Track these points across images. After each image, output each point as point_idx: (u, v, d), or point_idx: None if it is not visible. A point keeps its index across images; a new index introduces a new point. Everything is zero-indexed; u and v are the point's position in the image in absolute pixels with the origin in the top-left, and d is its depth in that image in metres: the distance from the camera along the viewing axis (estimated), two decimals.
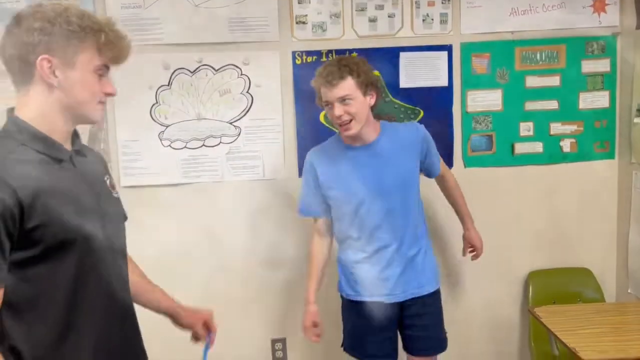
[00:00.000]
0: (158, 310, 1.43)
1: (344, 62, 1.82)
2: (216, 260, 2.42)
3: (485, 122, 2.46)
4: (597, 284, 2.52)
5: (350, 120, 1.80)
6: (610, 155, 2.53)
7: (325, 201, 1.96)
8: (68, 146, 1.17)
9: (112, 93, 1.18)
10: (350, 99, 1.79)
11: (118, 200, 1.29)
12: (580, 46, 2.45)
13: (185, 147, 2.36)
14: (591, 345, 1.82)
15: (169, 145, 2.35)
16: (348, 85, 1.78)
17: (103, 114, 1.47)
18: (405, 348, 2.06)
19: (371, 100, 1.86)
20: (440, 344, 2.05)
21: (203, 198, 2.39)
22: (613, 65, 2.47)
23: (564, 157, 2.50)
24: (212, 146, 2.37)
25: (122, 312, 1.22)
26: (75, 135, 1.20)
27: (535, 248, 2.54)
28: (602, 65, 2.47)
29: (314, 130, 2.38)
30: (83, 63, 1.11)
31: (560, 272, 2.54)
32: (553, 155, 2.50)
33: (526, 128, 2.48)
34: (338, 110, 1.79)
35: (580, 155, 2.51)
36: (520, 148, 2.49)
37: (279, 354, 2.51)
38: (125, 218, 1.33)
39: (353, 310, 1.98)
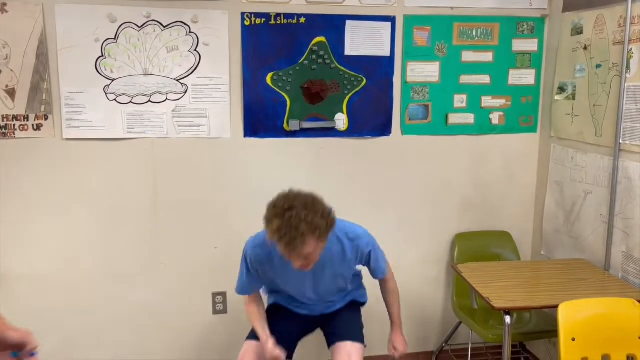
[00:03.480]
0: None
1: (302, 227, 1.61)
2: (158, 215, 2.48)
3: (423, 92, 2.61)
4: (514, 246, 2.76)
5: (309, 264, 1.76)
6: (533, 129, 2.75)
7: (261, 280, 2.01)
8: None
9: None
10: (311, 254, 1.70)
11: None
12: (512, 26, 2.63)
13: (130, 102, 2.37)
14: (503, 296, 2.03)
15: (115, 100, 2.35)
16: (310, 245, 1.66)
17: None
18: (328, 345, 2.11)
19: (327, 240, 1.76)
20: (358, 335, 2.07)
21: (147, 154, 2.42)
22: (540, 45, 2.68)
23: (492, 128, 2.70)
24: (158, 102, 2.39)
25: None
26: None
27: (462, 212, 2.75)
28: (530, 45, 2.67)
29: (260, 90, 2.45)
30: None
31: (482, 234, 2.77)
32: (483, 127, 2.69)
33: (460, 100, 2.65)
34: (298, 263, 1.72)
35: (507, 127, 2.71)
36: (454, 118, 2.66)
37: (219, 306, 2.61)
38: None
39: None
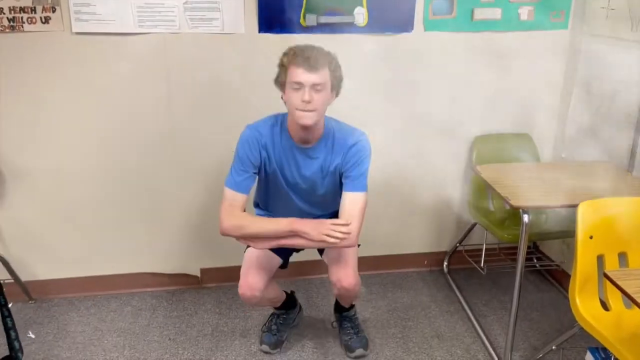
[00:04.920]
0: None
1: (323, 52, 1.77)
2: (172, 112, 2.45)
3: None
4: (535, 149, 2.71)
5: (313, 109, 1.76)
6: (564, 26, 2.59)
7: (255, 176, 1.92)
8: None
9: None
10: (322, 88, 1.75)
11: None
12: None
13: None
14: (522, 195, 2.01)
15: None
16: (324, 74, 1.75)
17: None
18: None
19: (333, 99, 1.84)
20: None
21: (159, 49, 2.34)
22: None
23: (520, 24, 2.55)
24: None
25: None
26: None
27: (483, 113, 2.68)
28: None
29: None
30: None
31: (503, 137, 2.71)
32: (510, 23, 2.54)
33: None
34: (308, 95, 1.73)
35: (536, 23, 2.56)
36: (480, 13, 2.51)
37: None
38: None
39: None
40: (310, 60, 1.72)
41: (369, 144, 1.91)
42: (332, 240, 1.78)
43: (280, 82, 1.81)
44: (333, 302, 2.36)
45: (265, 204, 2.10)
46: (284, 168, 1.92)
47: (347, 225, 1.80)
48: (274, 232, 1.84)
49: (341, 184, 1.93)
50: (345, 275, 1.98)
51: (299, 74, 1.73)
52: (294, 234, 1.82)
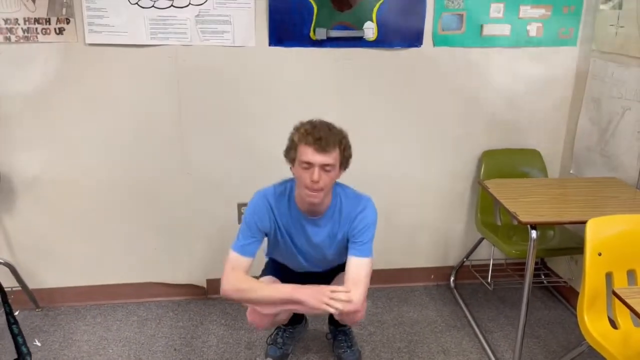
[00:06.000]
0: None
1: (335, 131, 1.77)
2: (183, 124, 2.47)
3: (458, 0, 2.46)
4: (543, 165, 2.71)
5: (321, 189, 1.76)
6: (573, 42, 2.60)
7: (261, 241, 1.91)
8: None
9: None
10: (331, 169, 1.75)
11: None
12: None
13: (153, 6, 2.29)
14: (530, 211, 2.01)
15: (136, 4, 2.27)
16: (335, 155, 1.75)
17: None
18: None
19: (341, 173, 1.84)
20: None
21: (171, 61, 2.37)
22: None
23: (529, 41, 2.56)
24: (181, 7, 2.31)
25: None
26: None
27: (492, 128, 2.68)
28: None
29: None
30: None
31: (511, 152, 2.71)
32: (519, 39, 2.55)
33: (496, 9, 2.50)
34: (317, 175, 1.72)
35: (545, 40, 2.57)
36: (489, 29, 2.52)
37: None
38: None
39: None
40: (322, 142, 1.71)
41: (375, 210, 1.91)
42: (332, 310, 1.73)
43: (290, 157, 1.81)
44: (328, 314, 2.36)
45: (273, 255, 2.11)
46: (293, 237, 1.94)
47: (347, 292, 1.75)
48: (273, 299, 1.82)
49: (347, 247, 1.92)
50: (352, 310, 1.83)
51: (309, 154, 1.72)
52: (294, 302, 1.79)
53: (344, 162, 1.82)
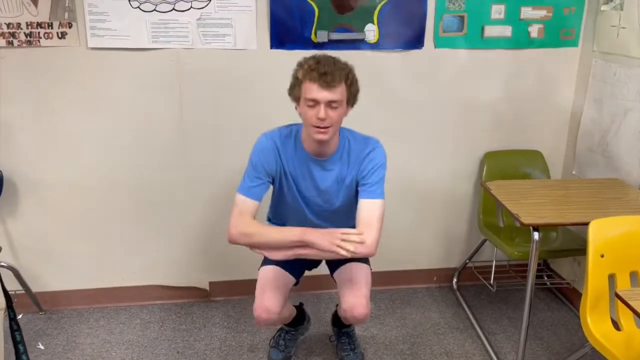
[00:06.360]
0: None
1: (340, 65, 1.71)
2: (185, 127, 2.47)
3: (459, 2, 2.46)
4: (545, 166, 2.71)
5: (329, 126, 1.71)
6: (574, 43, 2.60)
7: (268, 185, 1.88)
8: None
9: None
10: (338, 105, 1.70)
11: None
12: None
13: (154, 10, 2.29)
14: (532, 212, 2.00)
15: (138, 7, 2.28)
16: (341, 91, 1.69)
17: None
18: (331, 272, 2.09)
19: (349, 110, 1.80)
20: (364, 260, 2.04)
21: (173, 65, 2.38)
22: None
23: (530, 42, 2.56)
24: (183, 11, 2.31)
25: None
26: None
27: (494, 129, 2.68)
28: None
29: (288, 0, 2.35)
30: None
31: (513, 153, 2.71)
32: (520, 40, 2.55)
33: (497, 11, 2.50)
34: (323, 112, 1.67)
35: (546, 41, 2.57)
36: (490, 31, 2.52)
37: None
38: None
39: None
40: (327, 77, 1.65)
41: (384, 151, 1.87)
42: (344, 252, 1.65)
43: (295, 95, 1.76)
44: (331, 315, 2.37)
45: (277, 217, 2.07)
46: (299, 181, 1.89)
47: (359, 234, 1.69)
48: (283, 242, 1.77)
49: (356, 196, 1.88)
50: (358, 305, 1.88)
51: (314, 91, 1.68)
52: (304, 244, 1.74)
53: (351, 98, 1.76)
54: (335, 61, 1.72)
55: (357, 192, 1.89)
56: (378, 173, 1.83)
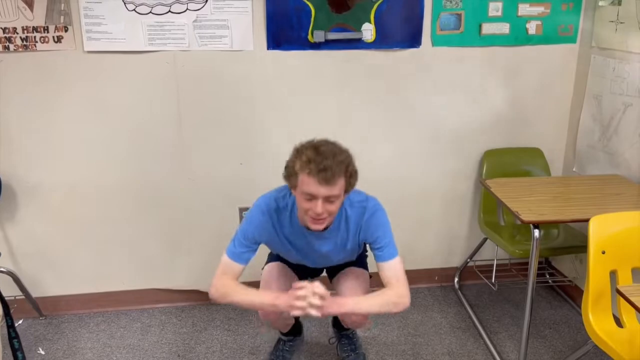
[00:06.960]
0: None
1: (340, 158, 1.59)
2: (182, 129, 2.47)
3: (456, 0, 2.46)
4: (545, 163, 2.69)
5: (325, 219, 1.67)
6: (572, 40, 2.59)
7: (256, 250, 1.85)
8: None
9: None
10: (336, 199, 1.63)
11: None
12: None
13: (150, 12, 2.29)
14: (532, 210, 1.99)
15: (134, 10, 2.27)
16: (340, 186, 1.61)
17: None
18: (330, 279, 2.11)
19: (345, 196, 1.72)
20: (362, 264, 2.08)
21: (169, 67, 2.37)
22: None
23: (528, 39, 2.55)
24: (179, 13, 2.31)
25: None
26: None
27: (493, 128, 2.66)
28: None
29: (284, 0, 2.33)
30: None
31: (513, 151, 2.70)
32: (518, 37, 2.54)
33: (495, 8, 2.49)
34: (320, 207, 1.60)
35: (544, 38, 2.56)
36: (488, 28, 2.51)
37: None
38: None
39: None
40: (327, 173, 1.55)
41: (383, 209, 1.82)
42: (314, 312, 1.63)
43: (291, 183, 1.67)
44: (332, 317, 2.36)
45: (276, 256, 2.08)
46: (296, 246, 1.87)
47: (323, 297, 1.64)
48: (260, 304, 1.78)
49: (358, 251, 1.91)
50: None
51: (312, 186, 1.58)
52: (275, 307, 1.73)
53: (349, 188, 1.69)
54: (335, 151, 1.61)
55: (358, 246, 1.90)
56: (386, 234, 1.80)
